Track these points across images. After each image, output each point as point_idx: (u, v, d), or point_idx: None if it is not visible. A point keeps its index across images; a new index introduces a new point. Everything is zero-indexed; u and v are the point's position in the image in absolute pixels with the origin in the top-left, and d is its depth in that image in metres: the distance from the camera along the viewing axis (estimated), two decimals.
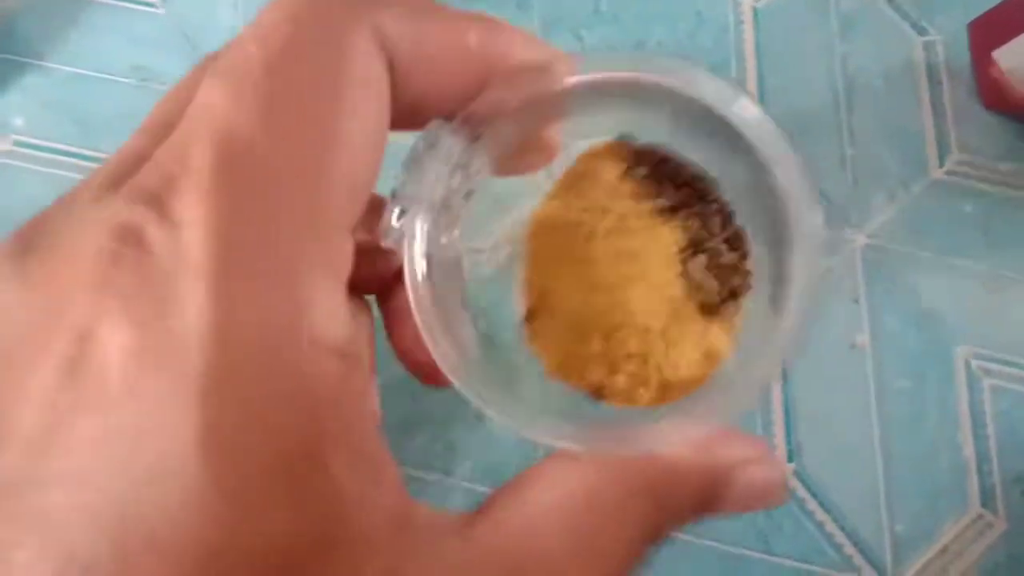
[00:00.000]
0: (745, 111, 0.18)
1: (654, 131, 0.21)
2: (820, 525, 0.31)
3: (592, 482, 0.15)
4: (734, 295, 0.20)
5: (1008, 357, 0.33)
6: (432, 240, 0.18)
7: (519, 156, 0.20)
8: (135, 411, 0.12)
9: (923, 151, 0.36)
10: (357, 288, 0.19)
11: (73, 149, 0.35)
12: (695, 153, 0.20)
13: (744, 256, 0.20)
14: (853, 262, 0.34)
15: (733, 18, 0.37)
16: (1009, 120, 0.36)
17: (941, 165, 0.35)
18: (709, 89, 0.18)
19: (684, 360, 0.20)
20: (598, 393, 0.20)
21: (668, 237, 0.21)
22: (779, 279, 0.18)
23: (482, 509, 0.16)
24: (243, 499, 0.12)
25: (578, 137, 0.22)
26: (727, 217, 0.21)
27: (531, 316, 0.22)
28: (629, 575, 0.16)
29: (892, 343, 0.33)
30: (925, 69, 0.37)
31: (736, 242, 0.20)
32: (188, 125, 0.13)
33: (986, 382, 0.32)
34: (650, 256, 0.21)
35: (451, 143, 0.17)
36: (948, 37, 0.37)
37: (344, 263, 0.14)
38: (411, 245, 0.17)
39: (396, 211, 0.17)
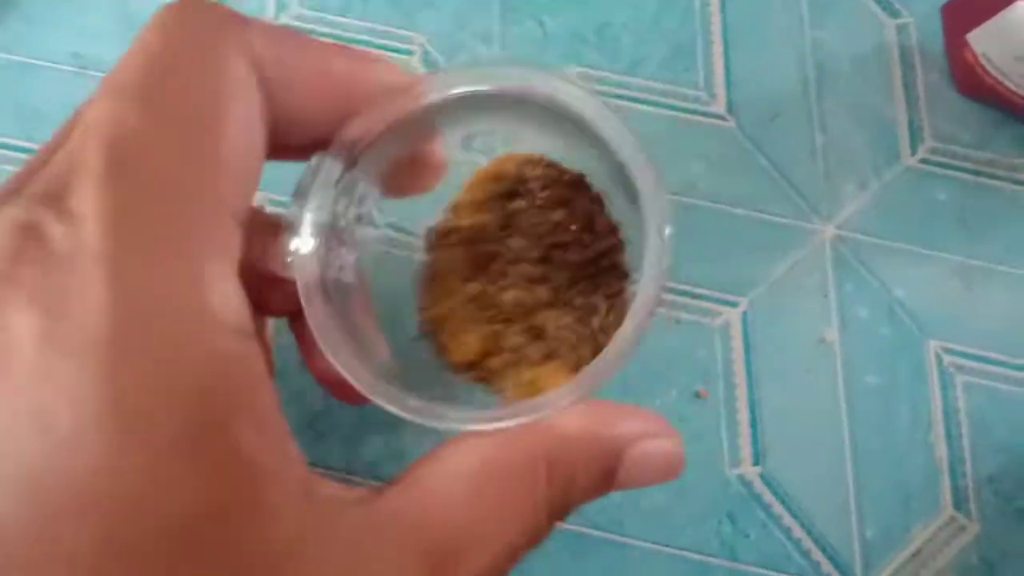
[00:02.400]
0: (576, 99, 0.20)
1: (523, 132, 0.23)
2: (787, 531, 0.29)
3: (494, 452, 0.16)
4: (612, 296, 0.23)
5: (981, 352, 0.32)
6: (327, 263, 0.19)
7: (405, 177, 0.22)
8: (43, 390, 0.12)
9: (895, 138, 0.34)
10: (268, 312, 0.21)
11: (10, 141, 0.33)
12: (561, 141, 0.22)
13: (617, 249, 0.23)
14: (822, 254, 0.32)
15: (699, 0, 0.36)
16: (983, 106, 0.35)
17: (914, 153, 0.34)
18: (551, 88, 0.20)
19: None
20: (495, 385, 0.22)
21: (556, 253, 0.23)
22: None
23: (389, 483, 0.16)
24: (151, 469, 0.12)
25: (471, 149, 0.24)
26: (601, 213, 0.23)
27: (433, 321, 0.23)
28: (531, 543, 0.17)
29: (862, 338, 0.32)
30: (897, 53, 0.35)
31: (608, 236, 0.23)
32: (78, 133, 0.15)
33: (959, 379, 0.31)
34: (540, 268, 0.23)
35: (330, 169, 0.19)
36: (921, 19, 0.36)
37: (235, 248, 0.15)
38: (302, 271, 0.18)
39: (286, 239, 0.18)
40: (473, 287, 0.23)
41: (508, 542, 0.16)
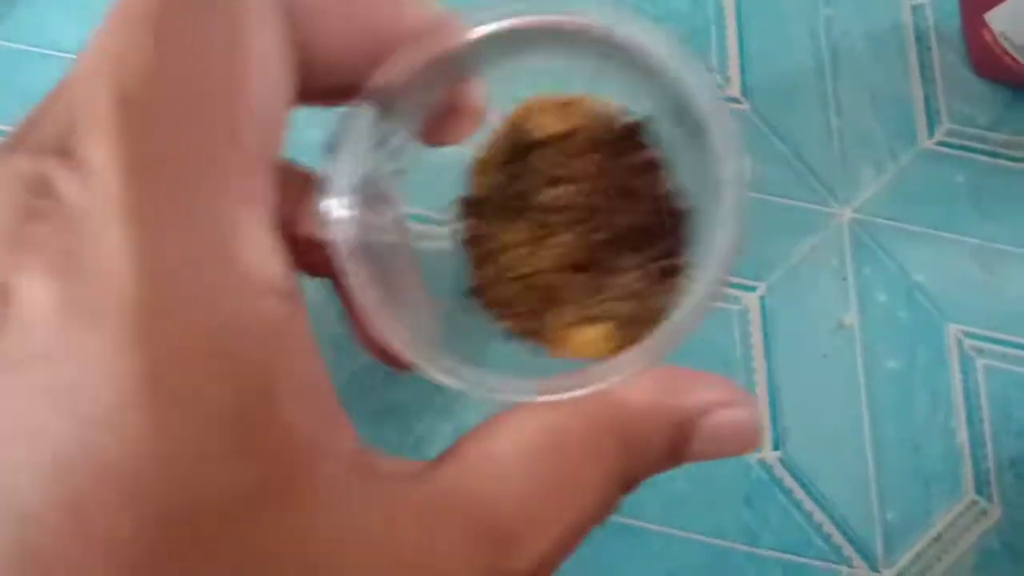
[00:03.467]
0: (640, 31, 0.18)
1: (575, 78, 0.21)
2: (808, 515, 0.29)
3: (559, 422, 0.15)
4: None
5: (1002, 335, 0.31)
6: (366, 221, 0.17)
7: (443, 124, 0.20)
8: (68, 366, 0.11)
9: (912, 120, 0.34)
10: (307, 271, 0.20)
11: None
12: (619, 91, 0.21)
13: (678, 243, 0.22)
14: (840, 238, 0.32)
15: None
16: (1001, 87, 0.34)
17: (931, 135, 0.34)
18: (631, 30, 0.18)
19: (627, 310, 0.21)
20: (554, 346, 0.21)
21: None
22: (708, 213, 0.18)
23: (446, 454, 0.15)
24: (196, 448, 0.11)
25: (504, 95, 0.22)
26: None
27: (481, 284, 0.22)
28: (598, 519, 0.16)
29: (881, 322, 0.31)
30: (913, 33, 0.35)
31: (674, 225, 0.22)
32: (81, 74, 0.13)
33: (979, 362, 0.31)
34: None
35: (364, 120, 0.17)
36: None
37: (269, 199, 0.14)
38: (339, 231, 0.17)
39: (320, 198, 0.17)
40: (519, 249, 0.22)
41: (576, 518, 0.15)
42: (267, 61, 0.14)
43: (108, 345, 0.11)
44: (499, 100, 0.22)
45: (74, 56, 0.33)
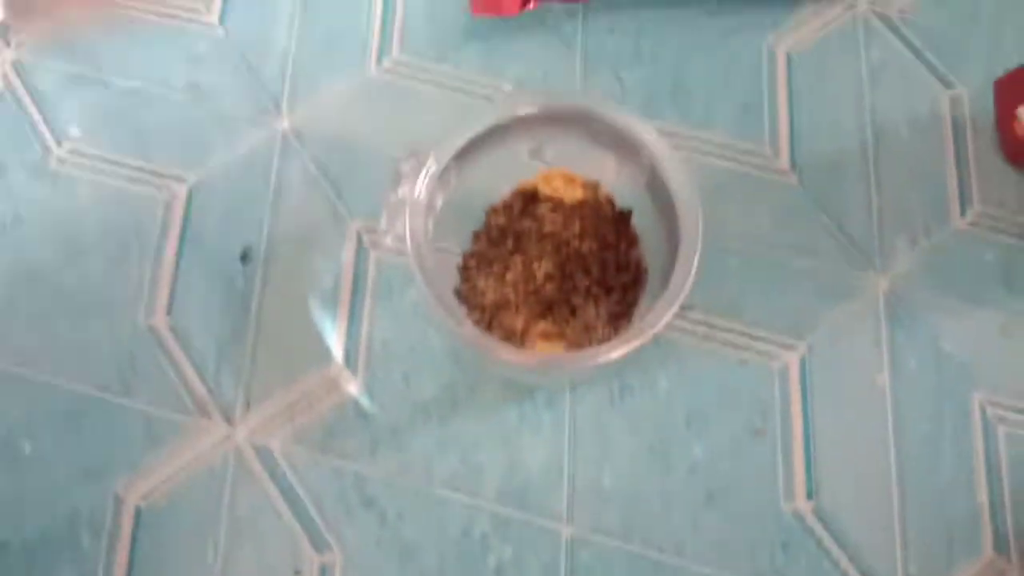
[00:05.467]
0: (641, 129, 0.30)
1: (586, 150, 0.32)
2: (836, 563, 0.31)
3: None
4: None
5: (1023, 405, 0.34)
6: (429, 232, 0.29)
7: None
8: None
9: (946, 201, 0.37)
10: None
11: (129, 161, 0.36)
12: (615, 162, 0.32)
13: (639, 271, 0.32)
14: (876, 304, 0.35)
15: (767, 61, 0.38)
16: None
17: (963, 215, 0.36)
18: (617, 114, 0.30)
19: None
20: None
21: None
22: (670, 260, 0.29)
23: None
24: None
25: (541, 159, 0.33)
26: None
27: (468, 293, 0.33)
28: None
29: (911, 385, 0.34)
30: (951, 121, 0.38)
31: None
32: None
33: (1001, 429, 0.33)
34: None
35: (429, 168, 0.29)
36: (974, 91, 0.38)
37: None
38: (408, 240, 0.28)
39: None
40: (508, 277, 0.32)
41: None
42: None
43: None
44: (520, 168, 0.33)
45: (181, 97, 0.36)
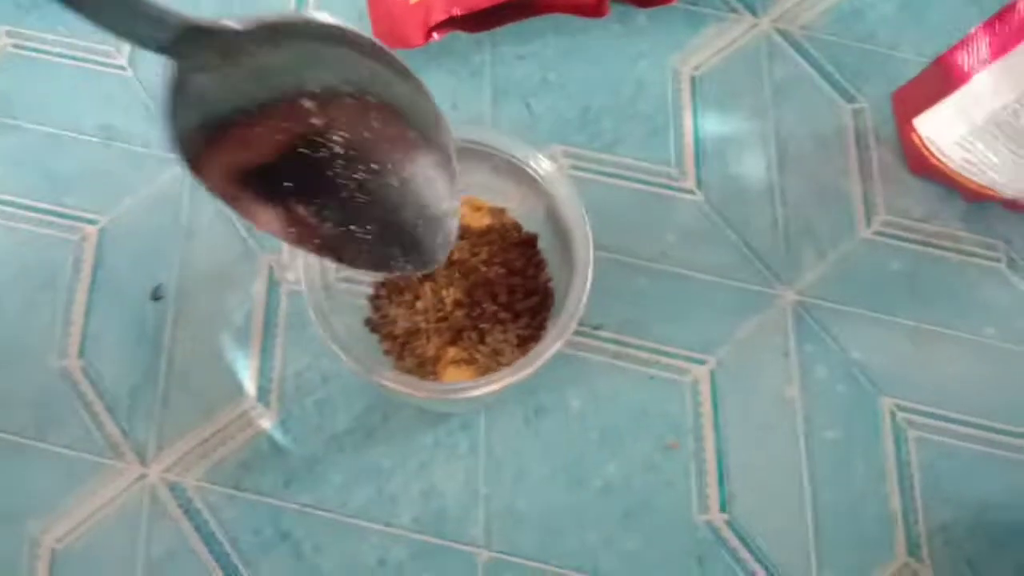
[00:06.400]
0: (539, 161, 0.30)
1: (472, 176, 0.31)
2: (751, 574, 0.32)
3: None
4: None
5: (932, 409, 0.34)
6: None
7: None
8: None
9: (851, 212, 0.37)
10: None
11: (41, 205, 0.36)
12: (517, 193, 0.32)
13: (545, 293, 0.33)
14: (784, 316, 0.35)
15: (672, 82, 0.39)
16: (933, 184, 0.38)
17: (868, 225, 0.37)
18: (516, 148, 0.30)
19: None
20: (433, 375, 0.32)
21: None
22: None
23: None
24: None
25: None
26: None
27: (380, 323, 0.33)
28: None
29: (821, 394, 0.34)
30: (854, 134, 0.39)
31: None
32: None
33: (911, 433, 0.34)
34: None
35: None
36: (875, 105, 0.39)
37: None
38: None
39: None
40: (416, 303, 0.32)
41: None
42: None
43: None
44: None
45: (93, 139, 0.36)
